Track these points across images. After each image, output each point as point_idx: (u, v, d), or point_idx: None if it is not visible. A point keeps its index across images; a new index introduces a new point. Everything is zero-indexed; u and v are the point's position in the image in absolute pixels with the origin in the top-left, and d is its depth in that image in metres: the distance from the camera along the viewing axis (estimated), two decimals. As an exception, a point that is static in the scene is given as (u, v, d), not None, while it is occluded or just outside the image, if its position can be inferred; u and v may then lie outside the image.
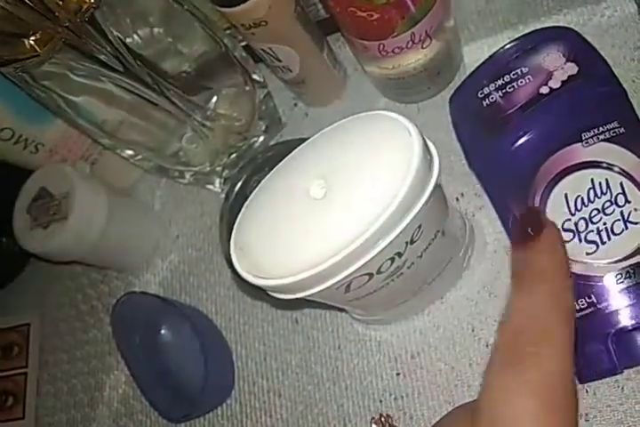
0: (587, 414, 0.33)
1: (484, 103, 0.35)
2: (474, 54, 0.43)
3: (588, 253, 0.32)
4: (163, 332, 0.48)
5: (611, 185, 0.32)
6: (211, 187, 0.49)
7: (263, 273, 0.26)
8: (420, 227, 0.27)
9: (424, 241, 0.29)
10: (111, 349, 0.49)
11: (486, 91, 0.35)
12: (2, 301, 0.58)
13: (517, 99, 0.34)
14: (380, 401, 0.39)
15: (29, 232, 0.46)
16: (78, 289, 0.54)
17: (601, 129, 0.32)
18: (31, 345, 0.54)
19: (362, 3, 0.33)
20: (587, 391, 0.33)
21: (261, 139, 0.47)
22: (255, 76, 0.44)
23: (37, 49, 0.32)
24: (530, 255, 0.21)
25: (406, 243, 0.27)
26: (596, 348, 0.30)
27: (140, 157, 0.45)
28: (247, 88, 0.44)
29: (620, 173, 0.32)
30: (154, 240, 0.51)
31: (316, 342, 0.42)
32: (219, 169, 0.47)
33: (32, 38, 0.32)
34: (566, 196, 0.32)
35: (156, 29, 0.39)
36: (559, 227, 0.32)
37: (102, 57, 0.34)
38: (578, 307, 0.31)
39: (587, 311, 0.31)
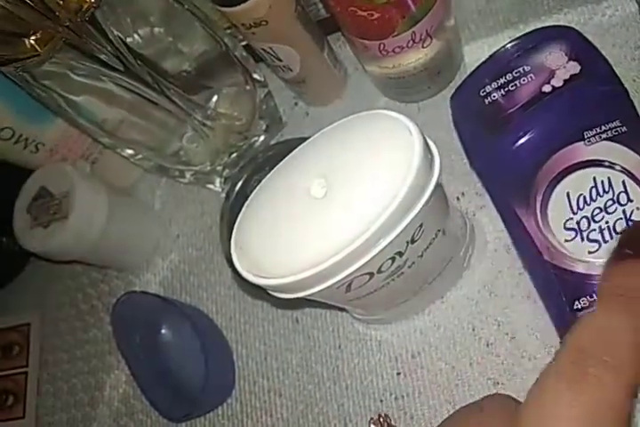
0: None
1: (486, 102, 0.35)
2: (474, 53, 0.43)
3: (590, 252, 0.31)
4: (163, 331, 0.48)
5: (613, 184, 0.32)
6: (211, 186, 0.49)
7: (264, 272, 0.26)
8: (420, 226, 0.27)
9: (425, 240, 0.29)
10: (111, 348, 0.49)
11: (487, 89, 0.35)
12: (2, 300, 0.58)
13: (519, 98, 0.34)
14: (381, 401, 0.39)
15: (30, 231, 0.46)
16: (78, 288, 0.54)
17: (603, 128, 0.32)
18: (31, 345, 0.54)
19: (362, 2, 0.33)
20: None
21: (262, 138, 0.47)
22: (256, 76, 0.44)
23: (38, 48, 0.32)
24: (626, 277, 0.19)
25: (407, 242, 0.27)
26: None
27: (140, 156, 0.45)
28: (248, 87, 0.44)
29: (622, 171, 0.32)
30: (154, 239, 0.51)
31: (316, 341, 0.42)
32: (219, 168, 0.47)
33: (32, 38, 0.32)
34: (568, 195, 0.32)
35: (156, 29, 0.39)
36: (561, 226, 0.32)
37: (103, 56, 0.34)
38: (579, 306, 0.31)
39: (588, 310, 0.31)
